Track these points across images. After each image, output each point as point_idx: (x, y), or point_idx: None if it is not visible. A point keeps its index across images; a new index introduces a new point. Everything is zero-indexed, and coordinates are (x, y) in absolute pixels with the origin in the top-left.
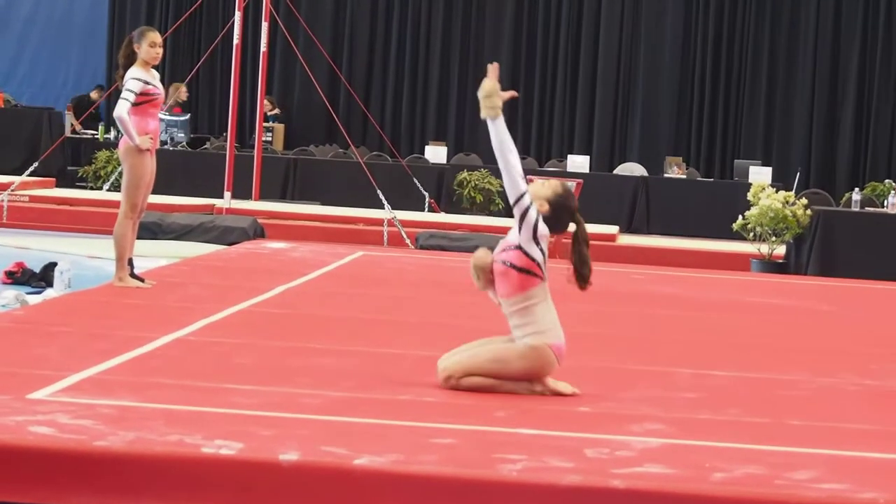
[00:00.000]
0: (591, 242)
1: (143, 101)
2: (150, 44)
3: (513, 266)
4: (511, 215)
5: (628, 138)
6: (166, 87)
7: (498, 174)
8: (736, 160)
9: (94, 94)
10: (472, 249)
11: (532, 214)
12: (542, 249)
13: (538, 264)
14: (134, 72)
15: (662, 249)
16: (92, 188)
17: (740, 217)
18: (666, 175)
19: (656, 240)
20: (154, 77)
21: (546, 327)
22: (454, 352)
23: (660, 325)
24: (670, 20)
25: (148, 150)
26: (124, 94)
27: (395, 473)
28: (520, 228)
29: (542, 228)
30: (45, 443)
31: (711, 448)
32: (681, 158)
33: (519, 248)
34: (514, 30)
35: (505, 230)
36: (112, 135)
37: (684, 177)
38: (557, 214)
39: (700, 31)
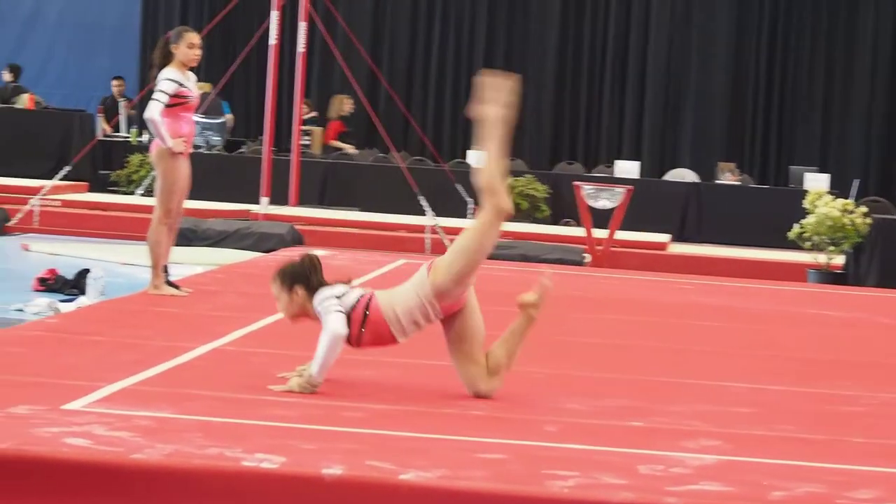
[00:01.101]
0: (641, 251)
1: (176, 104)
2: (189, 45)
3: None
4: (556, 223)
5: (679, 143)
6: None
7: (543, 180)
8: (791, 166)
9: (114, 88)
10: (518, 257)
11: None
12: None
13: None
14: (168, 72)
15: (715, 259)
16: (125, 192)
17: (796, 225)
18: (718, 181)
19: (708, 249)
20: (189, 79)
21: None
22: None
23: (712, 337)
24: (723, 20)
25: (181, 153)
26: (156, 94)
27: (441, 489)
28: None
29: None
30: (81, 455)
31: (769, 465)
32: (734, 164)
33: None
34: (560, 30)
35: (550, 238)
36: (145, 138)
37: (738, 183)
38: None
39: (755, 32)
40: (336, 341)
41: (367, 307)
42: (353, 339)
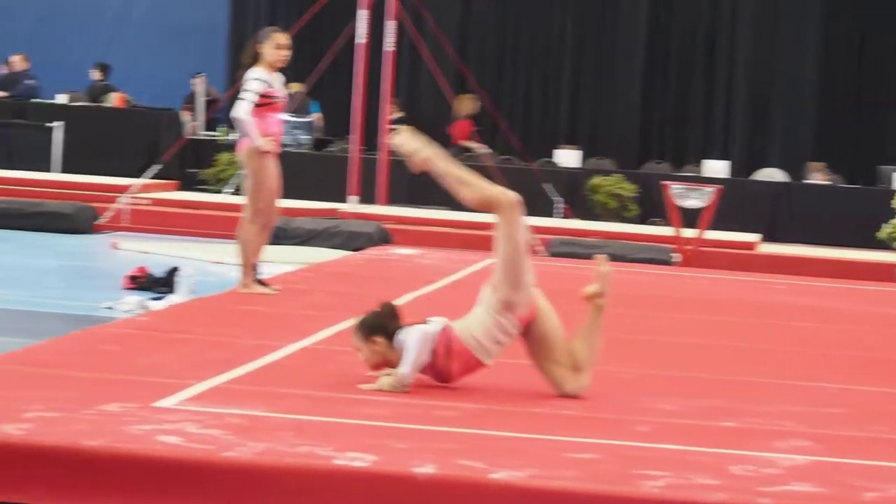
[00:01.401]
0: (730, 251)
1: (264, 104)
2: (276, 46)
3: None
4: (644, 222)
5: (768, 142)
6: None
7: (632, 179)
8: (879, 166)
9: (196, 83)
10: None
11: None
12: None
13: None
14: (256, 72)
15: (804, 258)
16: (213, 191)
17: (885, 225)
18: (807, 181)
19: (797, 248)
20: (277, 79)
21: None
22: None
23: (803, 337)
24: (813, 19)
25: (270, 152)
26: (244, 94)
27: (533, 488)
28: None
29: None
30: (173, 453)
31: (861, 466)
32: (823, 164)
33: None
34: (648, 29)
35: (639, 237)
36: (233, 137)
37: (827, 183)
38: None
39: (844, 30)
40: (425, 340)
41: (448, 340)
42: (444, 375)
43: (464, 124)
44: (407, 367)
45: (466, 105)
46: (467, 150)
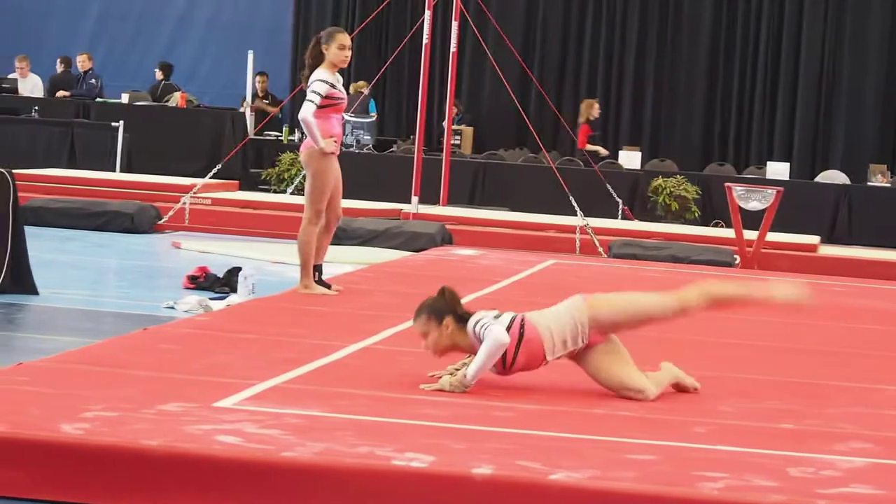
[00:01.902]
0: (791, 253)
1: (327, 105)
2: (339, 46)
3: None
4: (706, 224)
5: (830, 144)
6: None
7: (694, 181)
8: None
9: (259, 83)
10: (668, 259)
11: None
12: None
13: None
14: (320, 73)
15: (866, 261)
16: (275, 191)
17: None
18: (869, 183)
19: (859, 251)
20: (339, 80)
21: None
22: None
23: (863, 339)
24: (877, 19)
25: (332, 153)
26: (310, 95)
27: (592, 489)
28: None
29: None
30: (232, 452)
31: None
32: (885, 166)
33: None
34: (712, 29)
35: (701, 239)
36: (296, 137)
37: (889, 185)
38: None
39: None
40: (497, 348)
41: (521, 327)
42: (507, 364)
43: (583, 129)
44: (473, 371)
45: (585, 111)
46: (592, 153)
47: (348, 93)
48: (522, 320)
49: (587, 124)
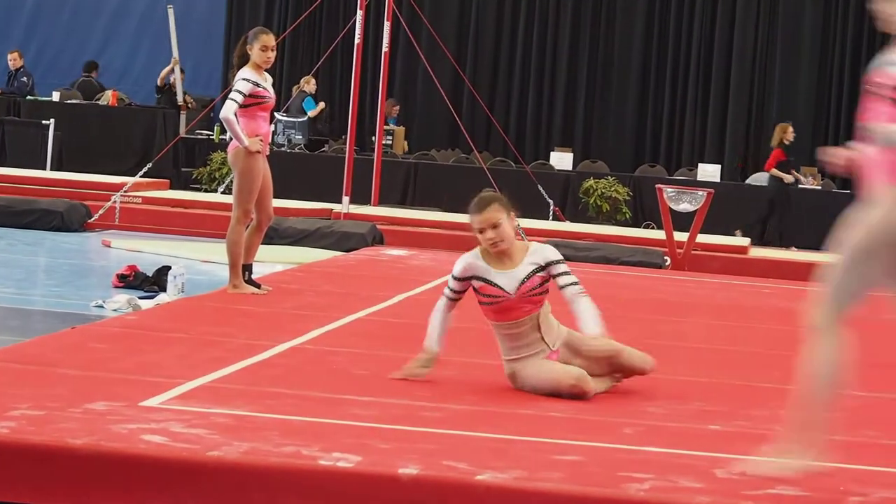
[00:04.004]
0: (722, 255)
1: (252, 104)
2: (262, 47)
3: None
4: (637, 226)
5: (762, 147)
6: None
7: (625, 182)
8: None
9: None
10: (598, 260)
11: None
12: None
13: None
14: (244, 72)
15: (795, 263)
16: (206, 190)
17: None
18: (801, 185)
19: (790, 253)
20: (266, 80)
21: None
22: None
23: (792, 341)
24: (808, 22)
25: (258, 152)
26: (232, 94)
27: (518, 490)
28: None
29: None
30: (158, 452)
31: (848, 470)
32: (816, 168)
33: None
34: (644, 31)
35: (632, 240)
36: (227, 136)
37: (819, 188)
38: None
39: (839, 36)
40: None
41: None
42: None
43: (776, 153)
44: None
45: (779, 134)
46: (777, 178)
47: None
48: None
49: (781, 149)
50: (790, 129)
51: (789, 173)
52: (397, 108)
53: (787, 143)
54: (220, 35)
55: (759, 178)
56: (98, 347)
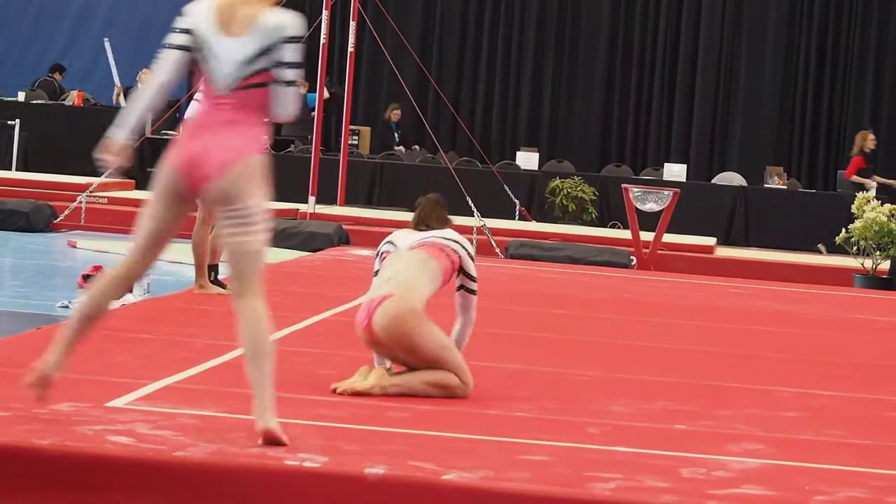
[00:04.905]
0: (688, 254)
1: None
2: None
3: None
4: (603, 225)
5: (727, 146)
6: None
7: (591, 182)
8: (839, 170)
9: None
10: (565, 260)
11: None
12: None
13: None
14: None
15: (762, 262)
16: None
17: (843, 230)
18: (766, 185)
19: (755, 252)
20: None
21: None
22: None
23: (759, 341)
24: (773, 22)
25: None
26: (197, 95)
27: (484, 490)
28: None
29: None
30: (124, 452)
31: (813, 470)
32: (781, 168)
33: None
34: (610, 30)
35: (598, 240)
36: None
37: (785, 187)
38: None
39: (804, 36)
40: None
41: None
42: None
43: (857, 160)
44: None
45: (859, 140)
46: (858, 184)
47: None
48: None
49: (861, 156)
50: (870, 136)
51: (870, 179)
52: (398, 111)
53: (867, 150)
54: None
55: (724, 178)
56: None
